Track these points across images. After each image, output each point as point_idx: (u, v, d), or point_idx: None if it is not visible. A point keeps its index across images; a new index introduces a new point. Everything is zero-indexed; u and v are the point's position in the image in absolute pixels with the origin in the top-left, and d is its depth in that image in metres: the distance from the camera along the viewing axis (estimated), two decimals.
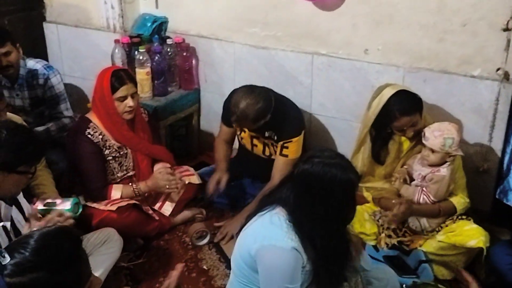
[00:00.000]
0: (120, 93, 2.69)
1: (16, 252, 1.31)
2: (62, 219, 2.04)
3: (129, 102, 2.71)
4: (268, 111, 2.76)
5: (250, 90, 2.75)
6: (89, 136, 2.72)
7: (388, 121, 2.60)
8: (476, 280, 2.22)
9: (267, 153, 3.02)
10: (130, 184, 2.80)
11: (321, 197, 1.81)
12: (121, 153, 2.81)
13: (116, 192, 2.75)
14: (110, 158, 2.78)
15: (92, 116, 2.78)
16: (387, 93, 2.58)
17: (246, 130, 2.98)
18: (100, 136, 2.75)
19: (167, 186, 2.80)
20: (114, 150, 2.79)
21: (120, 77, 2.70)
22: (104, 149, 2.76)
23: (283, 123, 2.85)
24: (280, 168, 2.87)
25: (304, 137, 2.96)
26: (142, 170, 2.89)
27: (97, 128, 2.75)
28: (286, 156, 2.88)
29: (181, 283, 1.51)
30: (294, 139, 2.86)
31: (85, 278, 1.37)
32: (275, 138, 2.91)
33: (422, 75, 2.84)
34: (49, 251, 1.32)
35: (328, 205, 1.81)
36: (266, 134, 2.92)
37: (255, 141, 3.02)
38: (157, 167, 2.91)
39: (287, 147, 2.87)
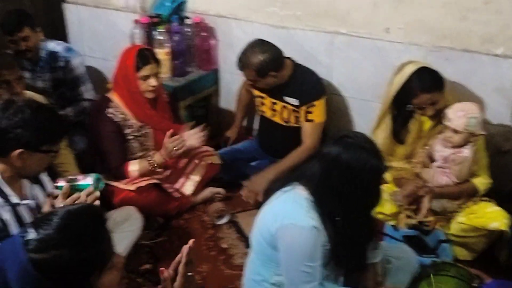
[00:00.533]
0: (144, 71, 2.70)
1: (40, 229, 1.32)
2: (89, 199, 2.05)
3: (152, 81, 2.72)
4: (273, 66, 2.82)
5: (261, 42, 2.86)
6: (110, 115, 2.74)
7: (408, 98, 2.57)
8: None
9: (285, 118, 3.03)
10: (147, 159, 2.80)
11: (347, 179, 1.79)
12: (142, 132, 2.83)
13: (133, 167, 2.76)
14: (131, 137, 2.80)
15: (113, 95, 2.79)
16: (409, 69, 2.56)
17: (266, 97, 3.03)
18: (122, 116, 2.76)
19: (175, 148, 2.76)
20: (135, 129, 2.80)
21: (145, 56, 2.71)
22: (125, 128, 2.78)
23: (303, 87, 2.91)
24: (309, 133, 2.95)
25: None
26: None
27: (118, 107, 2.77)
28: (312, 121, 2.94)
29: (193, 259, 1.51)
30: (316, 103, 2.91)
31: (108, 257, 1.37)
32: (297, 103, 2.94)
33: (444, 54, 2.79)
34: (73, 229, 1.32)
35: (352, 188, 1.80)
36: (286, 99, 2.95)
37: (275, 107, 3.05)
38: None
39: (311, 112, 2.91)
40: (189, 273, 1.47)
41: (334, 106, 3.24)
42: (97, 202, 2.04)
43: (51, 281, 1.28)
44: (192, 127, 2.87)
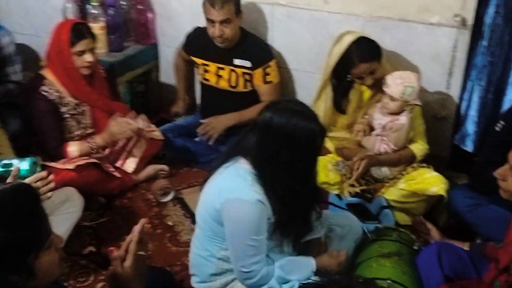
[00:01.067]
0: (79, 47, 2.61)
1: None
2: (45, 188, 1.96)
3: (88, 57, 2.64)
4: (240, 5, 2.85)
5: None
6: (45, 93, 2.63)
7: (347, 68, 2.60)
8: (434, 226, 2.30)
9: (233, 83, 3.02)
10: (87, 141, 2.73)
11: (282, 143, 1.80)
12: (79, 110, 2.74)
13: (72, 148, 2.68)
14: (68, 115, 2.71)
15: (47, 73, 2.68)
16: (347, 39, 2.58)
17: (211, 63, 3.00)
18: (57, 93, 2.66)
19: (119, 132, 2.71)
20: (71, 107, 2.71)
21: (79, 30, 2.62)
22: (61, 106, 2.68)
23: (255, 49, 2.95)
24: (269, 93, 2.99)
25: None
26: (101, 128, 2.82)
27: (53, 84, 2.66)
28: (271, 82, 2.99)
29: (145, 239, 1.49)
30: (271, 63, 2.96)
31: (44, 237, 1.33)
32: (249, 65, 2.94)
33: (381, 24, 2.83)
34: (5, 209, 1.27)
35: (288, 153, 1.80)
36: (236, 62, 2.95)
37: (221, 72, 3.02)
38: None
39: (269, 73, 2.96)
40: (140, 252, 1.44)
41: None
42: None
43: None
44: (132, 107, 2.82)
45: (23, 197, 1.32)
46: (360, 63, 2.54)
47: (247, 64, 2.94)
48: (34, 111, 2.65)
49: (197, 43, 3.05)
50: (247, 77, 2.98)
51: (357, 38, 2.58)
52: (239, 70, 2.97)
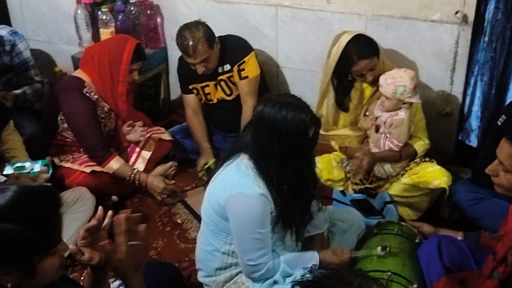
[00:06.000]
0: (136, 65, 2.80)
1: None
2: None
3: (136, 75, 2.82)
4: (212, 33, 2.86)
5: (185, 25, 2.88)
6: (86, 94, 2.73)
7: (347, 67, 2.63)
8: (431, 225, 2.30)
9: (226, 90, 3.05)
10: (133, 169, 2.80)
11: (274, 136, 1.85)
12: (108, 114, 2.84)
13: (114, 164, 2.75)
14: (100, 117, 2.80)
15: (84, 76, 2.77)
16: (344, 39, 2.61)
17: (210, 84, 3.03)
18: (96, 96, 2.77)
19: (159, 192, 2.79)
20: (104, 111, 2.81)
21: (141, 51, 2.83)
22: (98, 108, 2.78)
23: (229, 51, 2.96)
24: (247, 91, 2.98)
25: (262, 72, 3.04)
26: (119, 132, 2.94)
27: (92, 87, 2.76)
28: (247, 77, 2.96)
29: (135, 229, 1.50)
30: (245, 58, 2.94)
31: (55, 242, 1.35)
32: (229, 68, 2.98)
33: (383, 22, 2.86)
34: (25, 205, 1.29)
35: (282, 144, 1.85)
36: (219, 70, 2.99)
37: (219, 85, 3.05)
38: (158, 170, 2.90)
39: (243, 69, 2.95)
40: (132, 242, 1.48)
41: (281, 79, 3.29)
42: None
43: None
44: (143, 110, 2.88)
45: (47, 199, 1.35)
46: (359, 60, 2.57)
47: (228, 67, 2.97)
48: (75, 109, 2.71)
49: (187, 71, 3.04)
50: (232, 79, 3.01)
51: (353, 37, 2.60)
52: (225, 77, 3.00)
